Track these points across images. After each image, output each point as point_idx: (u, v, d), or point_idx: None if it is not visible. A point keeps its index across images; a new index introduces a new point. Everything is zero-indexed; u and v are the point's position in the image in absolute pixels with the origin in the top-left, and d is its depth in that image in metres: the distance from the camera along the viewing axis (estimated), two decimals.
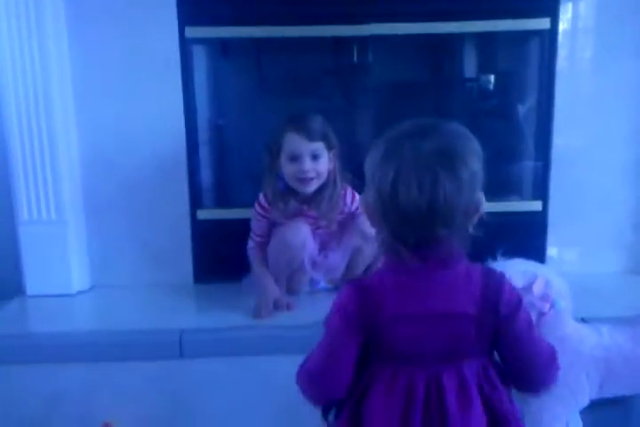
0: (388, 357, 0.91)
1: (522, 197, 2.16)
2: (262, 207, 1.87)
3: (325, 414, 0.98)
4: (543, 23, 1.98)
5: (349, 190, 1.87)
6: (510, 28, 2.01)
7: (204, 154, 2.11)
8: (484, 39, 2.14)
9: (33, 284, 2.00)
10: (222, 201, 2.21)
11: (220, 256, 2.07)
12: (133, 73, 1.97)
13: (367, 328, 0.90)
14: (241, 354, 1.65)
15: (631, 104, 2.04)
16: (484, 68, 2.21)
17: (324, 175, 1.81)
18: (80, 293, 2.03)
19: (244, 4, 1.97)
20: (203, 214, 2.08)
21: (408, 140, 0.89)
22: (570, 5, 1.99)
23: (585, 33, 2.03)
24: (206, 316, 1.83)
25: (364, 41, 2.09)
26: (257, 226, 1.90)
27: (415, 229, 0.88)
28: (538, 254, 2.04)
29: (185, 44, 1.98)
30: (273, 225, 1.89)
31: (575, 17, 2.01)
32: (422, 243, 0.89)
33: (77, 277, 2.03)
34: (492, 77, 2.19)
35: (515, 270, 1.40)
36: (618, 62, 2.02)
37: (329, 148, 1.80)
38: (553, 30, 1.99)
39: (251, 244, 1.92)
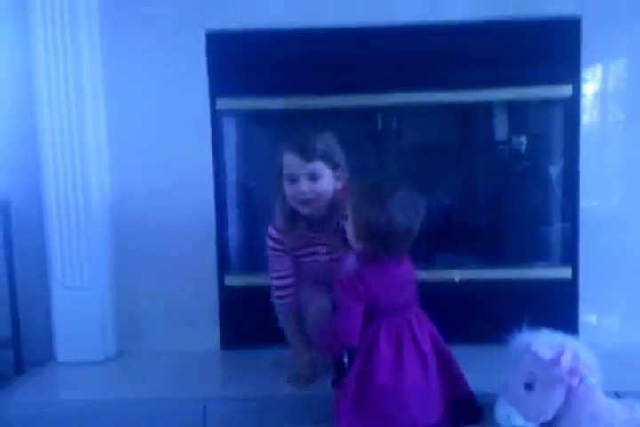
0: (379, 312, 1.45)
1: (550, 263, 2.13)
2: (274, 239, 1.79)
3: (340, 358, 1.47)
4: (565, 90, 2.01)
5: None
6: (533, 96, 2.05)
7: (233, 219, 2.15)
8: (511, 105, 2.17)
9: (63, 350, 2.03)
10: (250, 266, 2.22)
11: (248, 322, 2.08)
12: (166, 137, 2.05)
13: (367, 299, 1.42)
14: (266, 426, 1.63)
15: None
16: (510, 132, 2.24)
17: (326, 196, 1.71)
18: (108, 359, 2.05)
19: (271, 76, 2.04)
20: (230, 280, 2.10)
21: (387, 190, 1.42)
22: (594, 72, 2.02)
23: (611, 97, 2.05)
24: (231, 384, 1.82)
25: (395, 108, 2.14)
26: (277, 263, 1.82)
27: (400, 242, 1.44)
28: (569, 324, 1.99)
29: (216, 114, 2.06)
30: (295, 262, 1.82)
31: (600, 83, 2.03)
32: (398, 250, 1.47)
33: (106, 343, 2.06)
34: (520, 142, 2.21)
35: (542, 343, 1.38)
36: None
37: (332, 167, 1.70)
38: (575, 96, 2.01)
39: (279, 301, 1.84)
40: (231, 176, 2.14)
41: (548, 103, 2.10)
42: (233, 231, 2.16)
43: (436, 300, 2.01)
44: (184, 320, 2.09)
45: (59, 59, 1.95)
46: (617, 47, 2.01)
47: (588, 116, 2.04)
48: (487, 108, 2.20)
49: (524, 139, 2.21)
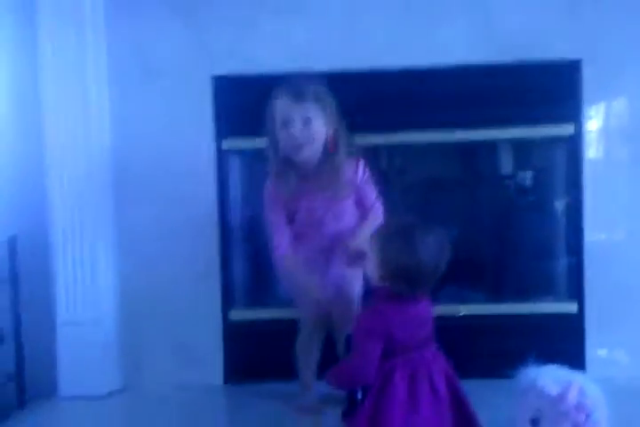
0: (396, 349, 1.40)
1: (556, 298, 2.13)
2: (271, 194, 1.74)
3: (354, 394, 1.43)
4: (567, 129, 2.04)
5: (361, 162, 1.75)
6: (537, 135, 2.08)
7: (237, 254, 2.16)
8: (516, 142, 2.19)
9: (66, 384, 2.02)
10: (255, 301, 2.22)
11: (252, 357, 2.07)
12: (173, 176, 2.09)
13: (385, 337, 1.38)
14: None
15: None
16: (516, 168, 2.25)
17: (320, 141, 1.67)
18: (111, 394, 2.03)
19: None
20: (235, 315, 2.10)
21: (418, 233, 1.40)
22: (595, 111, 2.06)
23: (615, 135, 2.07)
24: (235, 420, 1.81)
25: (404, 146, 2.16)
26: (272, 214, 1.74)
27: (426, 283, 1.43)
28: (576, 359, 1.99)
29: (221, 153, 2.10)
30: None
31: (602, 121, 2.07)
32: (423, 290, 1.45)
33: (110, 377, 2.05)
34: (525, 178, 2.22)
35: (548, 378, 1.37)
36: None
37: (324, 111, 1.67)
38: (577, 135, 2.04)
39: (278, 250, 1.75)
40: (235, 212, 2.16)
41: (551, 141, 2.12)
42: (237, 266, 2.17)
43: (441, 334, 2.02)
44: (188, 355, 2.08)
45: (69, 110, 1.99)
46: (616, 87, 2.05)
47: (593, 152, 2.07)
48: (493, 146, 2.22)
49: (529, 174, 2.22)
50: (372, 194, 1.80)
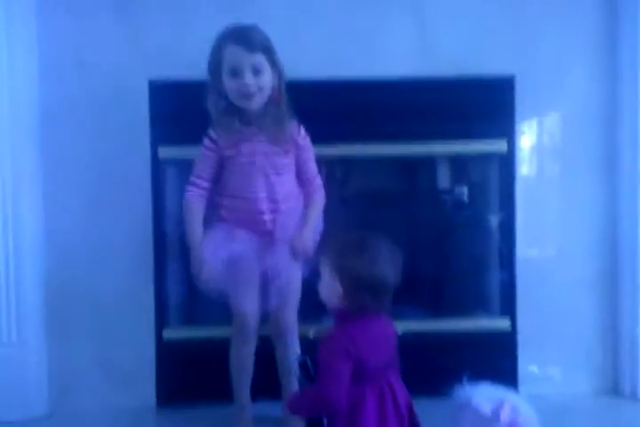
0: (364, 372, 1.32)
1: (489, 314, 2.15)
2: (211, 139, 1.74)
3: (319, 420, 1.34)
4: (500, 145, 2.08)
5: (301, 126, 1.80)
6: (470, 151, 2.10)
7: (172, 271, 2.09)
8: (452, 158, 2.21)
9: None
10: (189, 319, 2.17)
11: (186, 378, 2.02)
12: (104, 190, 2.03)
13: (355, 359, 1.30)
14: None
15: (594, 219, 2.11)
16: (452, 183, 2.27)
17: (268, 91, 1.71)
18: (39, 418, 1.95)
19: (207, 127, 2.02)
20: (168, 333, 2.04)
21: (373, 243, 1.36)
22: (528, 128, 2.10)
23: (546, 152, 2.13)
24: None
25: (339, 159, 2.15)
26: (203, 164, 1.75)
27: (388, 294, 1.35)
28: (509, 375, 2.02)
29: (157, 163, 2.04)
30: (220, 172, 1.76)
31: (535, 138, 2.12)
32: (386, 303, 1.36)
33: (37, 402, 1.96)
34: (461, 193, 2.24)
35: (481, 396, 1.38)
36: (579, 179, 2.11)
37: (271, 63, 1.70)
38: (510, 151, 2.08)
39: (191, 190, 1.75)
40: (171, 225, 2.10)
41: (485, 157, 2.15)
42: (172, 282, 2.11)
43: None
44: (119, 376, 2.02)
45: None
46: (549, 104, 2.11)
47: (525, 169, 2.11)
48: (430, 160, 2.23)
49: (464, 190, 2.25)
50: (312, 164, 1.83)
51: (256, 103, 1.71)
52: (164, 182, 2.06)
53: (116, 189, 2.03)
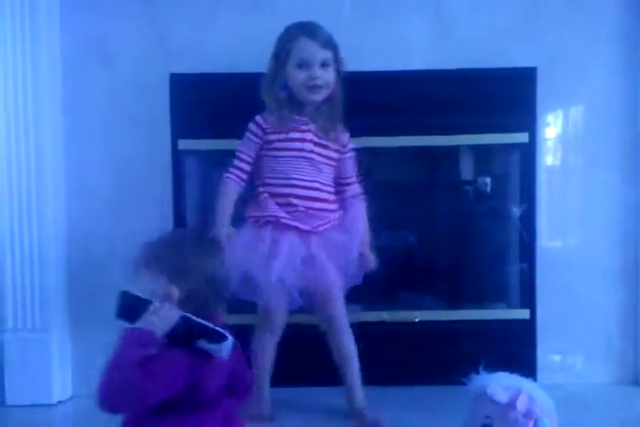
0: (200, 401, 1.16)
1: (509, 304, 2.15)
2: (256, 124, 1.76)
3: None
4: (522, 137, 2.07)
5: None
6: (493, 142, 2.10)
7: None
8: (475, 149, 2.21)
9: (13, 393, 1.96)
10: None
11: None
12: (125, 181, 2.06)
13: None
14: None
15: (615, 211, 2.10)
16: (475, 174, 2.26)
17: (331, 87, 1.75)
18: (60, 403, 1.99)
19: (227, 120, 2.03)
20: None
21: (203, 241, 1.28)
22: (550, 119, 2.10)
23: (570, 143, 2.12)
24: None
25: (365, 150, 2.15)
26: (246, 147, 1.77)
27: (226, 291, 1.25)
28: (528, 365, 2.02)
29: (177, 154, 2.06)
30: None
31: (557, 129, 2.11)
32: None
33: (59, 386, 2.00)
34: (483, 184, 2.23)
35: (498, 385, 1.38)
36: (601, 171, 2.09)
37: (335, 59, 1.75)
38: (531, 143, 2.07)
39: (230, 172, 1.77)
40: (191, 215, 2.12)
41: (507, 148, 2.15)
42: None
43: (396, 340, 2.03)
44: None
45: (18, 104, 1.94)
46: (571, 95, 2.09)
47: (549, 160, 2.11)
48: (452, 152, 2.22)
49: (487, 181, 2.24)
50: (354, 168, 1.87)
51: (320, 96, 1.74)
52: (184, 174, 2.08)
53: (138, 180, 2.06)
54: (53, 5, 1.99)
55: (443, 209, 2.29)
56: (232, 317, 1.93)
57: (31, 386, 1.96)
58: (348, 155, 1.85)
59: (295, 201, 1.74)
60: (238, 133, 2.03)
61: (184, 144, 2.05)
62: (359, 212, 1.84)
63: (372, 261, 1.81)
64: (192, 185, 2.13)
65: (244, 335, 1.67)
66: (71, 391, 2.04)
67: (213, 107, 2.03)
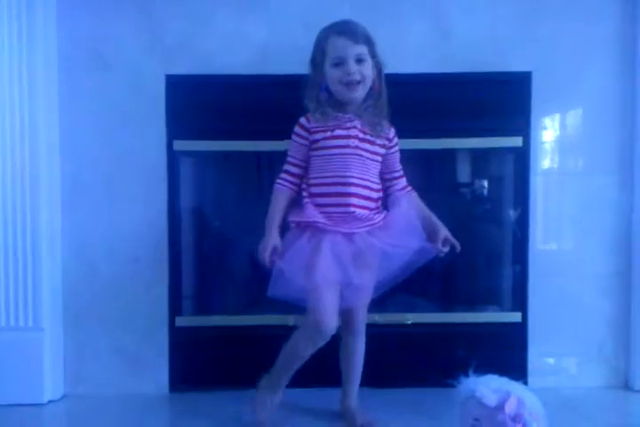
0: None
1: (501, 307, 2.16)
2: (302, 126, 1.76)
3: None
4: (516, 141, 2.08)
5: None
6: (487, 146, 2.10)
7: (186, 260, 2.13)
8: (470, 152, 2.21)
9: (5, 392, 1.96)
10: (202, 308, 2.19)
11: (198, 365, 2.05)
12: (121, 182, 2.06)
13: None
14: None
15: (609, 215, 2.10)
16: (471, 177, 2.27)
17: (370, 81, 1.74)
18: (51, 402, 1.98)
19: (222, 121, 2.06)
20: (181, 321, 2.07)
21: None
22: (545, 123, 2.10)
23: (565, 147, 2.12)
24: None
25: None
26: (294, 150, 1.77)
27: None
28: (519, 368, 2.03)
29: (172, 155, 2.07)
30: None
31: (552, 133, 2.11)
32: None
33: (50, 385, 1.99)
34: (480, 187, 2.24)
35: (486, 389, 1.39)
36: (596, 174, 2.10)
37: (372, 54, 1.74)
38: (525, 147, 2.08)
39: (281, 177, 1.78)
40: (186, 216, 2.13)
41: (502, 152, 2.15)
42: (186, 271, 2.13)
43: (388, 342, 2.03)
44: (132, 362, 2.05)
45: (14, 104, 1.94)
46: (565, 100, 2.09)
47: (544, 164, 2.11)
48: (448, 155, 2.22)
49: (484, 184, 2.25)
50: (399, 163, 1.86)
51: (359, 93, 1.73)
52: (179, 175, 2.09)
53: (133, 181, 2.06)
54: (50, 6, 1.99)
55: (437, 212, 2.28)
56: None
57: (23, 385, 1.96)
58: (394, 149, 1.84)
59: (342, 200, 1.72)
60: (233, 134, 2.06)
61: (179, 145, 2.05)
62: (413, 202, 1.84)
63: (456, 243, 1.81)
64: (187, 186, 2.13)
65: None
66: (63, 391, 2.04)
67: (208, 108, 2.05)
